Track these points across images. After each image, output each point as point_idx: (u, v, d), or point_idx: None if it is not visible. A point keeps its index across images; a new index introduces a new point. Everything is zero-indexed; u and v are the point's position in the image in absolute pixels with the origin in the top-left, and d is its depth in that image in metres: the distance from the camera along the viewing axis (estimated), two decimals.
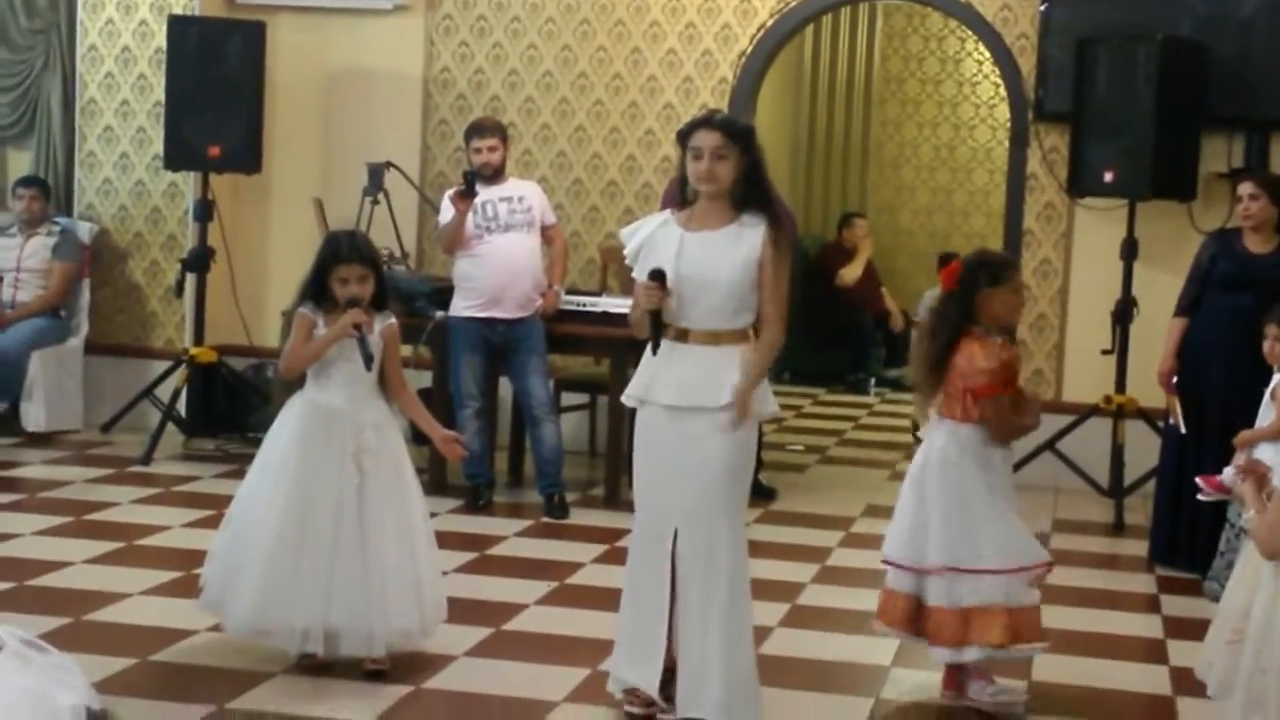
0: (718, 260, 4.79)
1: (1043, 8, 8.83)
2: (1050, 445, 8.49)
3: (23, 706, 3.69)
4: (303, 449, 5.28)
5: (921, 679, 5.49)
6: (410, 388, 5.57)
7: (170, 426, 8.83)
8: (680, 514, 4.83)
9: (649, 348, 4.88)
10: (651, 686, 4.90)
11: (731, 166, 4.80)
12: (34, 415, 8.99)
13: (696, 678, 4.81)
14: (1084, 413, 8.54)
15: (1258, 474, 4.52)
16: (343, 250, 5.32)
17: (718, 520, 4.81)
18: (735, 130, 4.83)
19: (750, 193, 4.83)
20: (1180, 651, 5.93)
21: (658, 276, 4.77)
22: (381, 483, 5.28)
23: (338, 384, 5.31)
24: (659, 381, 4.86)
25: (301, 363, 5.35)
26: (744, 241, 4.80)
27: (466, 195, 7.70)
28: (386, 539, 5.24)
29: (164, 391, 8.96)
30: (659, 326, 4.81)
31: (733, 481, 4.83)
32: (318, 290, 5.33)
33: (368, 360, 5.25)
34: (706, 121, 4.87)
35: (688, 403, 4.80)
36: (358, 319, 5.23)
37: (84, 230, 9.43)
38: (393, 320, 5.42)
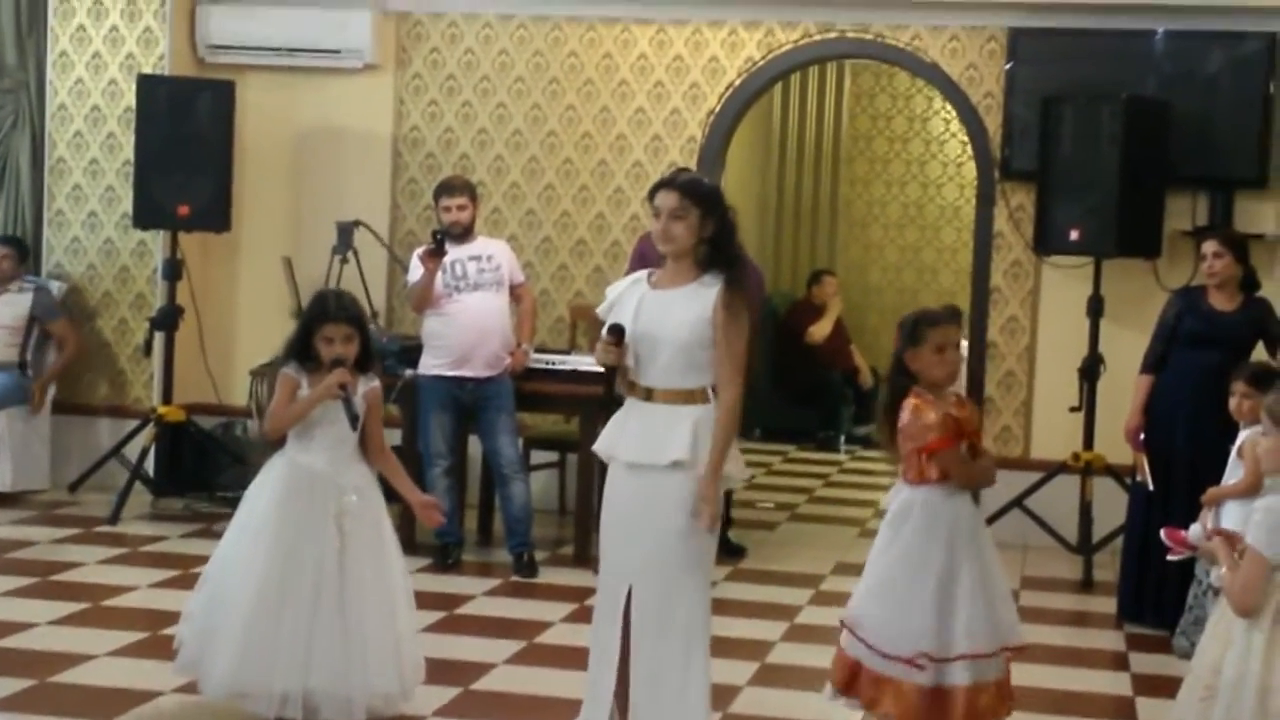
0: (668, 319, 4.80)
1: (1008, 67, 8.90)
2: (1018, 502, 8.51)
3: None
4: (284, 510, 5.25)
5: None
6: (390, 451, 5.56)
7: (138, 486, 8.79)
8: (634, 571, 4.83)
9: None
10: None
11: (689, 227, 4.81)
12: (0, 475, 8.94)
13: None
14: (1052, 469, 8.57)
15: (1228, 534, 4.55)
16: (329, 309, 5.31)
17: (672, 577, 4.78)
18: (695, 192, 4.84)
19: (714, 254, 4.84)
20: (1149, 709, 5.93)
21: (615, 332, 4.80)
22: (362, 545, 5.25)
23: (321, 446, 5.29)
24: (621, 438, 4.88)
25: (286, 423, 5.33)
26: (698, 300, 4.80)
27: (435, 254, 7.71)
28: (367, 602, 5.20)
29: (132, 451, 8.92)
30: (613, 382, 4.85)
31: (688, 539, 4.78)
32: (302, 349, 5.31)
33: (353, 420, 5.24)
34: (669, 182, 4.91)
35: (642, 459, 4.81)
36: (342, 379, 5.22)
37: (54, 289, 9.40)
38: (376, 383, 5.40)
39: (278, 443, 5.38)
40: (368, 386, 5.35)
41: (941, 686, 4.83)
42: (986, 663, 4.86)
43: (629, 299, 4.90)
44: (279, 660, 5.09)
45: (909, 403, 4.87)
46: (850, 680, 4.96)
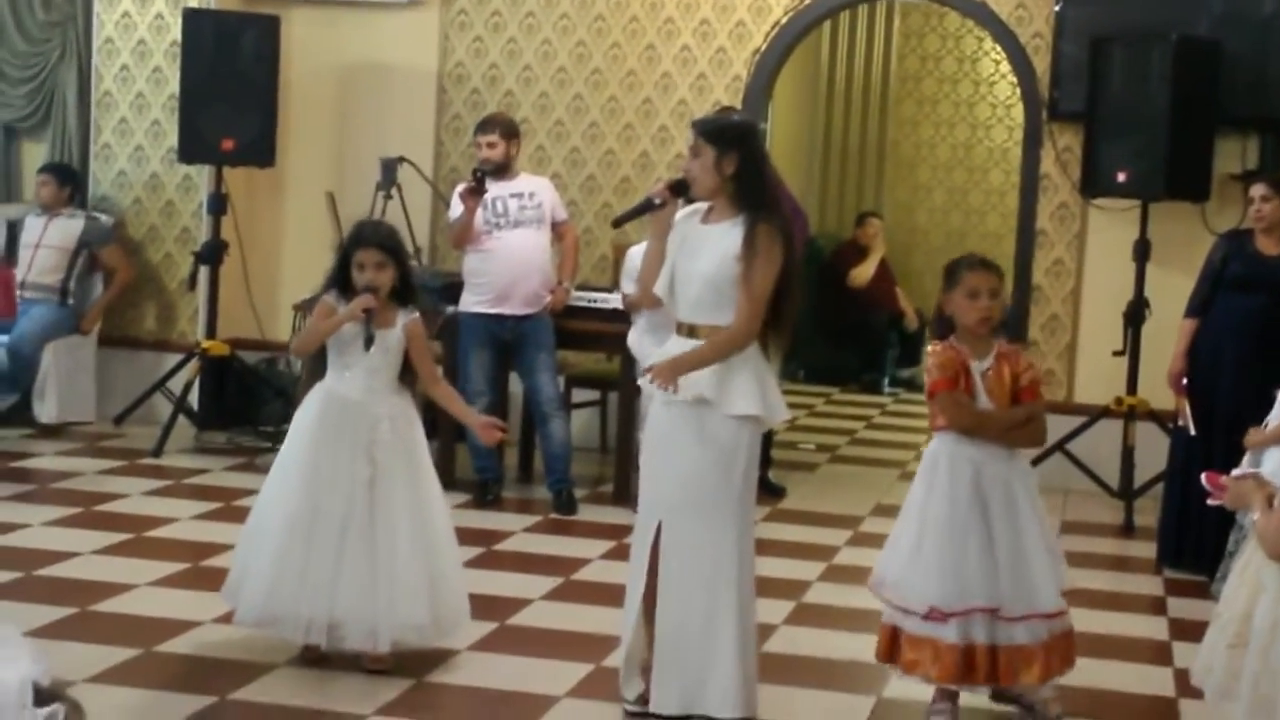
0: (701, 253, 4.83)
1: (1058, 7, 8.80)
2: (1060, 446, 8.47)
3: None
4: (316, 440, 5.29)
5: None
6: (443, 380, 5.58)
7: (182, 419, 8.85)
8: (664, 506, 4.85)
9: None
10: (630, 690, 4.95)
11: (704, 165, 4.83)
12: (46, 407, 9.03)
13: (668, 673, 4.81)
14: (1095, 414, 8.53)
15: (1259, 477, 4.50)
16: (362, 235, 5.33)
17: (699, 514, 4.78)
18: (709, 129, 4.89)
19: (742, 190, 4.84)
20: (1185, 654, 5.88)
21: (678, 188, 4.91)
22: (395, 476, 5.26)
23: (356, 375, 5.30)
24: None
25: (309, 343, 5.41)
26: (729, 237, 4.80)
27: (476, 191, 7.71)
28: (398, 533, 5.22)
29: (176, 384, 8.98)
30: (643, 210, 4.98)
31: (719, 478, 4.78)
32: (342, 278, 5.33)
33: (367, 341, 5.25)
34: (693, 122, 5.01)
35: (673, 394, 4.81)
36: (368, 304, 5.22)
37: (103, 220, 9.45)
38: (417, 315, 5.39)
39: (320, 372, 5.40)
40: (408, 318, 5.36)
41: (972, 644, 4.82)
42: (1013, 625, 4.82)
43: (681, 229, 4.94)
44: (306, 587, 5.14)
45: (929, 349, 4.93)
46: (891, 647, 4.97)
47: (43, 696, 3.48)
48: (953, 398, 4.87)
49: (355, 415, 5.27)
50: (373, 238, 5.31)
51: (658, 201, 4.89)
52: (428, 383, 5.44)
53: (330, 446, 5.25)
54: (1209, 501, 5.52)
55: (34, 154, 9.93)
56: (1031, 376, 5.03)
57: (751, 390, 4.80)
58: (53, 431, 8.96)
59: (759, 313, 4.77)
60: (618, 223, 5.14)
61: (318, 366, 5.43)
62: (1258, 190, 7.12)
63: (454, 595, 5.41)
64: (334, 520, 5.18)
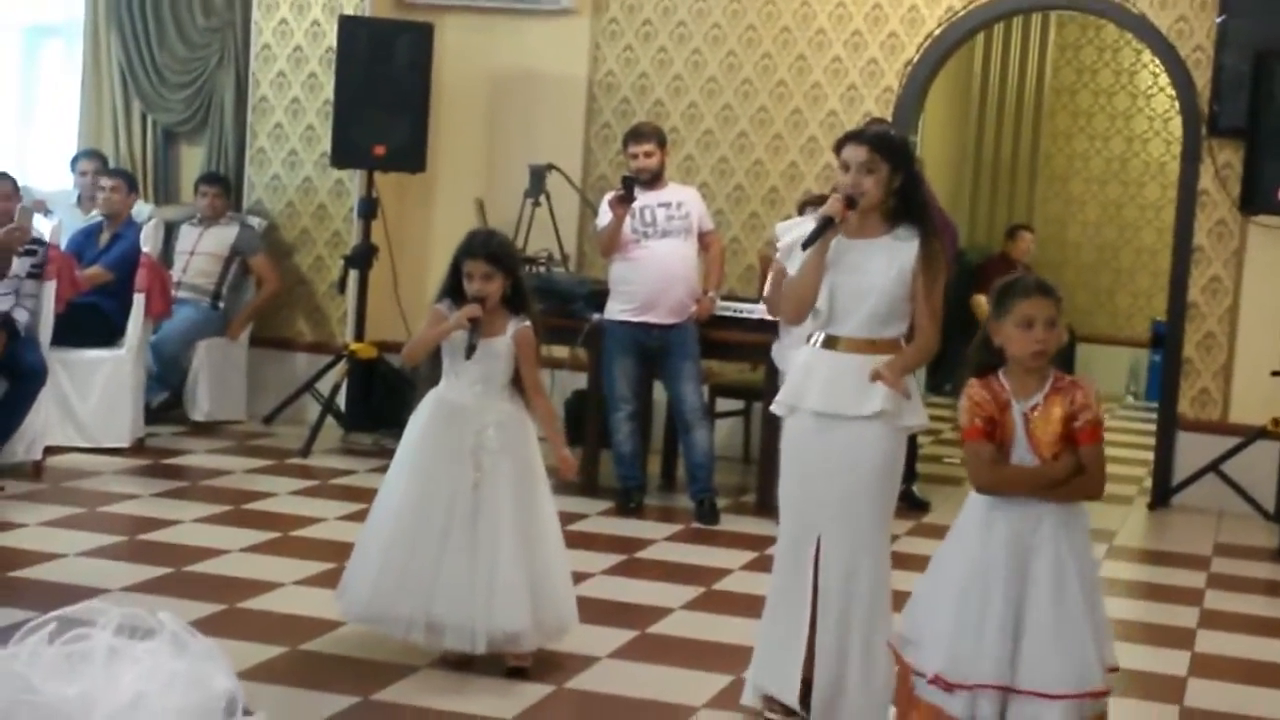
0: (870, 267, 4.79)
1: (1220, 20, 8.62)
2: (1215, 466, 8.29)
3: (178, 688, 3.77)
4: (424, 444, 5.35)
5: None
6: (546, 396, 5.58)
7: (329, 420, 8.96)
8: (825, 523, 4.82)
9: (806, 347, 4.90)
10: (791, 696, 4.87)
11: (879, 181, 4.77)
12: (198, 405, 9.21)
13: (833, 689, 4.79)
14: (1251, 434, 8.34)
15: None
16: (470, 246, 5.36)
17: (862, 530, 4.79)
18: (885, 146, 4.82)
19: (902, 205, 4.81)
20: None
21: (852, 203, 4.77)
22: (501, 481, 5.28)
23: (468, 381, 5.34)
24: (809, 389, 4.84)
25: (418, 351, 5.45)
26: (900, 252, 4.78)
27: (625, 200, 7.72)
28: (501, 538, 5.24)
29: (325, 385, 9.09)
30: (825, 228, 4.76)
31: (879, 491, 4.81)
32: (455, 286, 5.37)
33: (468, 350, 5.27)
34: (857, 136, 4.90)
35: (836, 410, 4.78)
36: (473, 314, 5.25)
37: (255, 224, 9.62)
38: (527, 323, 5.39)
39: (436, 378, 5.44)
40: (518, 327, 5.37)
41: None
42: (1040, 704, 4.14)
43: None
44: (407, 587, 5.19)
45: (967, 385, 4.30)
46: (907, 702, 4.39)
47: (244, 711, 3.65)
48: (974, 450, 4.24)
49: (463, 420, 5.31)
50: (480, 249, 5.33)
51: (838, 220, 4.82)
52: (530, 392, 5.41)
53: (437, 450, 5.30)
54: None
55: (191, 158, 10.13)
56: (1090, 417, 4.22)
57: (919, 402, 4.85)
58: (204, 429, 9.12)
59: (939, 326, 4.81)
60: (806, 245, 4.99)
61: (434, 372, 5.46)
62: None
63: (558, 600, 5.40)
64: (437, 522, 5.23)
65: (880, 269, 4.78)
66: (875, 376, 4.73)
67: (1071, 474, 4.22)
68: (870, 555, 4.80)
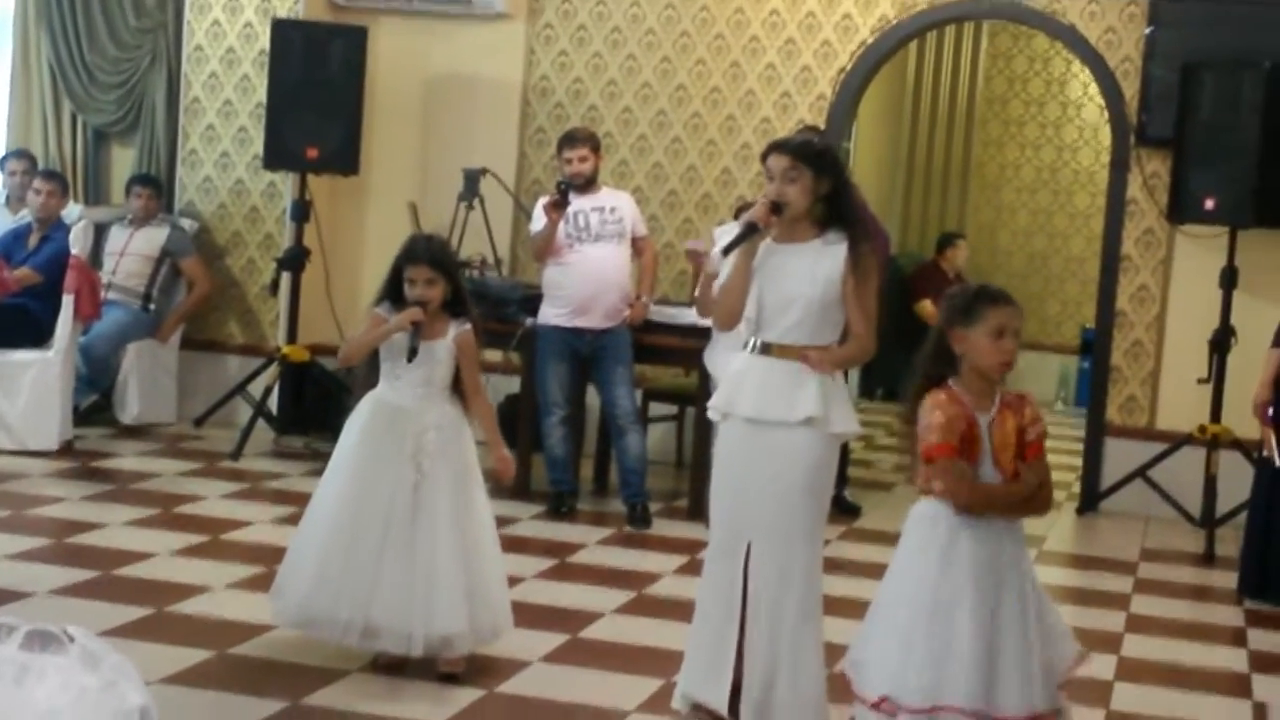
0: (798, 274, 4.81)
1: (1148, 31, 8.72)
2: (1142, 472, 8.38)
3: (89, 704, 3.72)
4: (363, 446, 5.35)
5: None
6: (486, 399, 5.58)
7: (261, 423, 8.91)
8: (755, 529, 4.83)
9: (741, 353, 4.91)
10: (720, 703, 4.88)
11: (803, 188, 4.79)
12: (127, 408, 9.14)
13: (763, 694, 4.80)
14: (1177, 441, 8.43)
15: None
16: (413, 252, 5.37)
17: (792, 536, 4.80)
18: (806, 154, 4.84)
19: (831, 211, 4.83)
20: (1265, 686, 5.84)
21: (777, 210, 4.78)
22: (440, 485, 5.28)
23: (408, 384, 5.34)
24: (741, 394, 4.86)
25: (356, 351, 5.45)
26: (827, 257, 4.80)
27: (559, 205, 7.72)
28: (439, 542, 5.24)
29: (256, 388, 9.05)
30: (748, 236, 4.80)
31: (809, 498, 4.81)
32: (395, 290, 5.37)
33: (410, 352, 5.28)
34: (780, 145, 4.92)
35: (766, 416, 4.80)
36: (415, 317, 5.26)
37: (186, 226, 9.56)
38: (468, 327, 5.41)
39: (373, 380, 5.43)
40: (459, 331, 5.38)
41: None
42: None
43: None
44: (345, 591, 5.18)
45: (931, 396, 4.13)
46: None
47: None
48: (957, 470, 4.07)
49: (403, 422, 5.31)
50: (423, 254, 5.35)
51: (761, 226, 4.85)
52: (470, 395, 5.43)
53: (376, 452, 5.30)
54: None
55: (122, 158, 10.06)
56: (1039, 430, 4.21)
57: (849, 409, 4.86)
58: (133, 432, 9.05)
59: (874, 331, 4.83)
60: (727, 251, 5.02)
61: (371, 375, 5.46)
62: None
63: (494, 604, 5.41)
64: (375, 525, 5.22)
65: (807, 274, 4.80)
66: (802, 357, 4.76)
67: (1036, 490, 4.16)
68: (800, 562, 4.80)
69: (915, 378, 4.21)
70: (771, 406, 4.80)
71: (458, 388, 5.41)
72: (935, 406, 4.10)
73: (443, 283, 5.34)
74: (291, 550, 5.44)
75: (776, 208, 4.79)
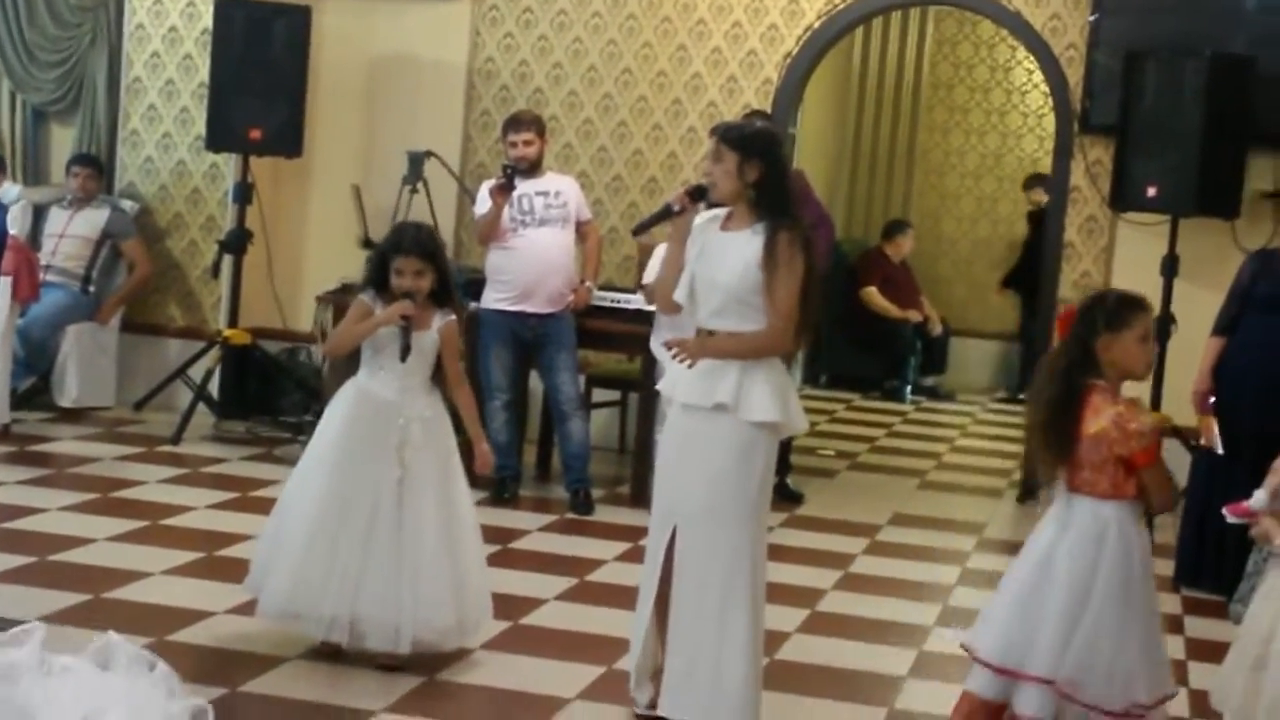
0: (723, 262, 4.82)
1: (1092, 19, 8.75)
2: None
3: (153, 710, 3.86)
4: (347, 437, 5.30)
5: (936, 690, 5.44)
6: (469, 390, 5.54)
7: (201, 407, 8.84)
8: (680, 513, 4.84)
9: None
10: (635, 686, 4.94)
11: (725, 171, 4.81)
12: (66, 391, 9.06)
13: (680, 680, 4.79)
14: None
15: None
16: (401, 242, 5.34)
17: (719, 522, 4.77)
18: (730, 137, 4.86)
19: (762, 197, 4.83)
20: (1202, 674, 5.87)
21: (697, 194, 4.87)
22: (424, 477, 5.26)
23: (390, 375, 5.30)
24: (680, 380, 4.89)
25: (343, 344, 5.42)
26: (750, 246, 4.79)
27: (505, 189, 7.69)
28: (425, 534, 5.22)
29: (197, 372, 8.97)
30: (662, 217, 4.95)
31: (733, 484, 4.77)
32: (381, 279, 5.33)
33: (403, 351, 5.25)
34: (713, 129, 5.00)
35: (692, 400, 4.83)
36: (404, 310, 5.24)
37: (126, 208, 9.47)
38: (453, 318, 5.39)
39: (351, 368, 5.40)
40: (444, 321, 5.35)
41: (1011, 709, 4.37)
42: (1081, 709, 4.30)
43: (699, 236, 4.92)
44: (330, 584, 5.14)
45: (1115, 406, 4.29)
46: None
47: None
48: (1167, 474, 4.33)
49: (388, 415, 5.27)
50: (413, 246, 5.31)
51: (676, 208, 4.89)
52: (452, 385, 5.43)
53: (361, 445, 5.26)
54: (1229, 520, 5.48)
55: (62, 138, 9.95)
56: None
57: (770, 398, 4.78)
58: (72, 415, 8.97)
59: (789, 322, 4.77)
60: (637, 231, 5.11)
61: (345, 361, 5.42)
62: None
63: (478, 597, 5.41)
64: (361, 519, 5.18)
65: (730, 262, 4.80)
66: (668, 343, 4.82)
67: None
68: (727, 546, 4.75)
69: (1062, 386, 4.37)
70: (695, 392, 4.81)
71: (436, 378, 5.37)
72: (1138, 413, 4.32)
73: (431, 273, 5.31)
74: (269, 540, 5.37)
75: (698, 192, 4.82)
